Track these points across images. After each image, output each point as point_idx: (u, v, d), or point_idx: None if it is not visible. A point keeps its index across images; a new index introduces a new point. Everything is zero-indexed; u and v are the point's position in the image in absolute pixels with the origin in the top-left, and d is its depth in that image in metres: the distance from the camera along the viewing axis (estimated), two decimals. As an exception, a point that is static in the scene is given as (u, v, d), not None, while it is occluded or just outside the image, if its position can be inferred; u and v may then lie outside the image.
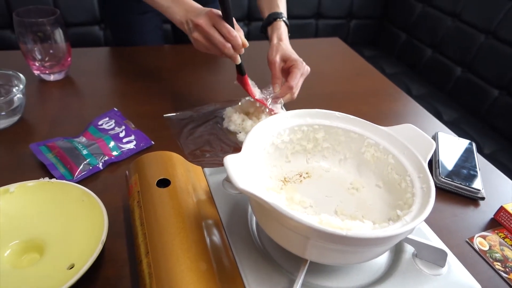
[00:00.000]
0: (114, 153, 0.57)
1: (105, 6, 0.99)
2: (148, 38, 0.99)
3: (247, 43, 0.59)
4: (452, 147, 0.68)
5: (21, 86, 0.61)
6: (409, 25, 1.84)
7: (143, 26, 0.97)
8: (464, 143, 0.70)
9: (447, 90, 1.61)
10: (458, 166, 0.63)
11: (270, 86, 0.68)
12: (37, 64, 0.74)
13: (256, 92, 0.66)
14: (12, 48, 1.45)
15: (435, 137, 0.70)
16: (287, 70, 0.67)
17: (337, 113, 0.48)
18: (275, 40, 0.70)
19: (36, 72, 0.75)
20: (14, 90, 0.63)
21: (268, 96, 0.66)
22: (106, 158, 0.55)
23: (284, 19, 0.74)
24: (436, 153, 0.65)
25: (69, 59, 0.77)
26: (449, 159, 0.64)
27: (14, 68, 0.66)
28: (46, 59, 0.74)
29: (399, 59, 1.87)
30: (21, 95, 0.61)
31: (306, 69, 0.68)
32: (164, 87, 0.78)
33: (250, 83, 0.66)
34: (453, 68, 1.60)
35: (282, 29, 0.72)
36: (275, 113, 0.65)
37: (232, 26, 0.57)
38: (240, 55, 0.60)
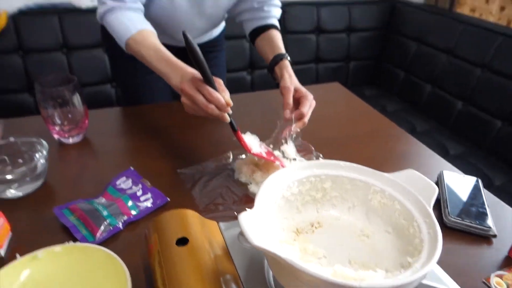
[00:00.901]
0: (133, 212, 0.59)
1: (114, 68, 1.06)
2: (157, 96, 1.04)
3: (231, 102, 0.63)
4: (458, 185, 0.69)
5: (44, 152, 0.65)
6: (406, 63, 1.91)
7: (151, 85, 1.03)
8: (470, 180, 0.71)
9: (450, 124, 1.63)
10: (467, 204, 0.64)
11: (271, 138, 0.72)
12: (56, 129, 0.79)
13: (255, 144, 0.69)
14: (29, 109, 1.54)
15: (440, 176, 0.72)
16: (297, 100, 0.75)
17: (341, 162, 0.50)
18: (286, 75, 0.78)
19: (56, 136, 0.80)
20: (37, 156, 0.67)
21: (270, 148, 0.69)
22: (125, 217, 0.58)
23: (288, 58, 0.83)
24: (443, 192, 0.67)
25: (86, 121, 0.81)
26: (457, 197, 0.66)
27: (35, 133, 0.71)
28: (65, 123, 0.79)
29: (400, 97, 1.92)
30: (44, 161, 0.65)
31: (314, 102, 0.76)
32: (176, 143, 0.82)
33: (248, 136, 0.69)
34: (453, 102, 1.64)
35: (289, 66, 0.81)
36: (279, 161, 0.68)
37: (215, 88, 0.62)
38: (229, 114, 0.64)
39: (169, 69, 0.68)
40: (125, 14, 0.75)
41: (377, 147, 0.86)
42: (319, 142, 0.84)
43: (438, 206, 0.64)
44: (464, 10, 1.86)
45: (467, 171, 0.74)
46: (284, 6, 1.85)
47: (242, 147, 0.67)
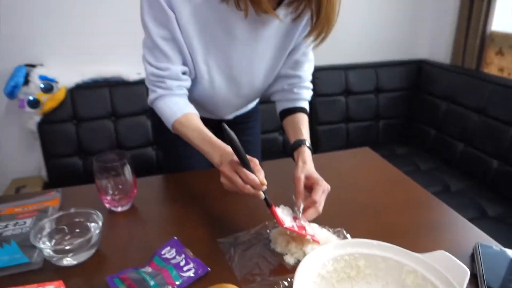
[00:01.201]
0: (177, 282, 0.64)
1: (158, 137, 1.16)
2: (196, 164, 1.12)
3: (265, 182, 0.69)
4: (496, 259, 0.69)
5: (100, 223, 0.72)
6: (437, 122, 1.92)
7: (191, 153, 1.11)
8: (508, 254, 0.71)
9: (487, 183, 1.60)
10: (505, 280, 0.64)
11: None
12: (108, 198, 0.87)
13: (287, 218, 0.72)
14: (78, 171, 1.67)
15: (476, 249, 0.71)
16: (310, 187, 0.77)
17: (374, 241, 0.53)
18: (300, 163, 0.82)
19: (107, 205, 0.88)
20: (92, 226, 0.74)
21: (303, 222, 0.73)
22: (170, 287, 0.62)
23: (307, 145, 0.86)
24: (479, 267, 0.67)
25: (134, 191, 0.89)
26: (494, 272, 0.65)
27: (88, 201, 0.79)
28: (116, 193, 0.87)
29: (432, 155, 1.92)
30: (98, 232, 0.72)
31: (327, 186, 0.77)
32: (215, 210, 0.87)
33: (282, 211, 0.74)
34: (488, 160, 1.62)
35: (306, 153, 0.84)
36: (310, 236, 0.70)
37: (250, 169, 0.68)
38: (264, 191, 0.69)
39: (210, 149, 0.77)
40: (172, 100, 0.85)
41: (410, 216, 0.86)
42: (351, 210, 0.87)
43: (475, 281, 0.64)
44: (491, 70, 1.89)
45: (507, 235, 0.73)
46: (314, 71, 1.97)
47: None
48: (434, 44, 2.20)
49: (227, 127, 0.66)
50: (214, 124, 1.11)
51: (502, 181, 1.54)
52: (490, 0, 1.77)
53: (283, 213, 0.73)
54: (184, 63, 0.85)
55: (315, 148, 1.98)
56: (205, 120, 1.06)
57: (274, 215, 0.72)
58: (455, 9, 2.01)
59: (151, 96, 0.87)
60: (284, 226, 0.70)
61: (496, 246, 0.73)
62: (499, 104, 1.63)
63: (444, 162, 1.82)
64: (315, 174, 0.79)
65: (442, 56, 2.14)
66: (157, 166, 1.75)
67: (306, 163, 0.81)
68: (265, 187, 0.70)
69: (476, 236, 0.79)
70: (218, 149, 0.75)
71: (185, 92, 0.88)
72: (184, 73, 0.85)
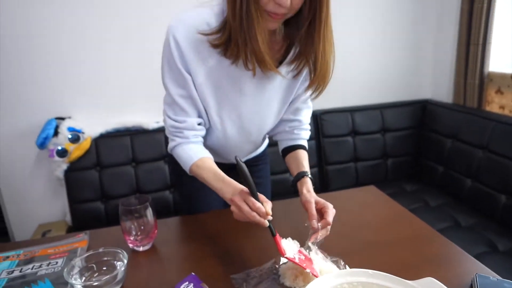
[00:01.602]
0: (195, 314, 0.70)
1: (176, 181, 1.25)
2: (211, 205, 1.20)
3: (270, 212, 0.78)
4: (491, 288, 0.73)
5: (125, 261, 0.80)
6: (443, 159, 1.98)
7: (207, 196, 1.19)
8: (504, 284, 0.75)
9: (496, 218, 1.62)
10: (500, 308, 0.68)
11: (307, 244, 0.82)
12: (131, 239, 0.95)
13: (290, 249, 0.79)
14: (99, 216, 1.76)
15: (474, 280, 0.76)
16: (319, 211, 0.86)
17: (370, 271, 0.60)
18: (304, 190, 0.91)
19: (131, 245, 0.96)
20: (118, 264, 0.82)
21: (303, 251, 0.79)
22: (189, 319, 0.69)
23: (309, 176, 0.96)
24: (475, 296, 0.71)
25: (155, 231, 0.97)
26: (489, 301, 0.70)
27: (113, 242, 0.87)
28: (139, 233, 0.95)
29: (441, 191, 1.95)
30: (124, 269, 0.79)
31: (334, 210, 0.86)
32: (228, 247, 0.94)
33: (288, 241, 0.81)
34: (497, 196, 1.65)
35: (308, 183, 0.94)
36: (309, 269, 0.76)
37: (258, 200, 0.77)
38: (270, 221, 0.78)
39: (223, 186, 0.86)
40: (189, 147, 0.95)
41: (413, 250, 0.91)
42: (358, 246, 0.92)
43: (472, 309, 0.68)
44: (493, 108, 1.96)
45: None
46: (321, 114, 2.09)
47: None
48: (437, 84, 2.31)
49: (239, 159, 0.76)
50: (226, 168, 1.20)
51: (511, 215, 1.56)
52: (484, 44, 1.88)
53: (287, 244, 0.80)
54: (199, 116, 0.96)
55: (325, 187, 2.05)
56: (218, 165, 1.16)
57: (277, 244, 0.79)
58: (453, 52, 2.13)
59: (171, 144, 0.98)
60: (285, 255, 0.77)
61: (493, 277, 0.78)
62: (501, 140, 1.69)
63: (453, 198, 1.85)
64: (322, 200, 0.88)
65: (444, 96, 2.23)
66: (174, 209, 1.84)
67: (310, 191, 0.91)
68: (270, 217, 0.78)
69: (476, 268, 0.83)
70: (230, 186, 0.85)
71: (201, 139, 0.98)
72: (199, 124, 0.96)
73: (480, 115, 1.86)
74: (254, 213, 0.77)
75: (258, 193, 0.79)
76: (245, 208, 0.77)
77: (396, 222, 1.06)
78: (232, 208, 0.80)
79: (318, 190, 2.03)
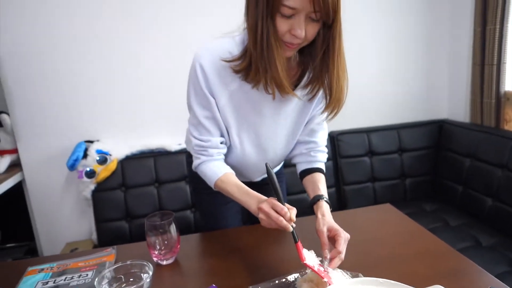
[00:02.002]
0: (215, 322, 0.74)
1: (197, 200, 1.31)
2: (230, 222, 1.25)
3: (294, 219, 0.83)
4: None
5: (150, 273, 0.85)
6: (462, 178, 1.97)
7: (226, 214, 1.25)
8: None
9: (518, 238, 1.60)
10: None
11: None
12: (156, 253, 1.01)
13: (310, 259, 0.83)
14: (124, 235, 1.84)
15: (487, 293, 0.78)
16: (332, 238, 0.88)
17: (380, 279, 0.63)
18: (319, 215, 0.94)
19: (155, 259, 1.01)
20: (144, 276, 0.88)
21: (323, 265, 0.83)
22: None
23: (325, 199, 0.99)
24: (488, 308, 0.72)
25: (178, 246, 1.03)
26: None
27: (138, 256, 0.93)
28: (163, 248, 1.01)
29: (461, 210, 1.93)
30: (149, 281, 0.85)
31: (347, 236, 0.88)
32: (247, 261, 0.98)
33: (309, 252, 0.85)
34: (518, 215, 1.63)
35: (324, 207, 0.97)
36: (327, 279, 0.79)
37: (284, 205, 0.83)
38: (293, 227, 0.82)
39: (249, 198, 0.92)
40: (213, 164, 1.02)
41: (427, 265, 0.93)
42: (374, 261, 0.95)
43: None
44: (511, 127, 1.96)
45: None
46: (337, 135, 2.13)
47: (303, 265, 0.82)
48: (453, 104, 2.32)
49: (269, 166, 0.83)
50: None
51: (534, 235, 1.54)
52: (499, 64, 1.90)
53: (308, 254, 0.84)
54: (221, 135, 1.03)
55: (343, 208, 2.07)
56: None
57: (298, 251, 0.83)
58: (468, 73, 2.15)
59: (196, 162, 1.05)
60: (304, 262, 0.81)
61: (507, 289, 0.79)
62: (521, 159, 1.68)
63: (474, 218, 1.83)
64: (335, 226, 0.90)
65: (461, 115, 2.24)
66: (195, 228, 1.89)
67: (325, 215, 0.94)
68: (294, 224, 0.83)
69: (490, 282, 0.84)
70: (255, 198, 0.91)
71: (223, 157, 1.06)
72: (221, 143, 1.04)
73: (498, 134, 1.86)
74: (281, 218, 0.82)
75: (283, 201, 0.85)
76: (273, 213, 0.82)
77: (412, 239, 1.08)
78: (260, 215, 0.85)
79: (336, 210, 2.05)
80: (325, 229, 0.89)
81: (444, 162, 2.12)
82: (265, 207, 0.84)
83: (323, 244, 0.88)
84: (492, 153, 1.82)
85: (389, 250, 1.02)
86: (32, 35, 1.78)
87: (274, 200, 0.84)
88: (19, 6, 1.75)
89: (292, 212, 0.83)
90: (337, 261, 0.85)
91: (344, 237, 0.87)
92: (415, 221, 1.16)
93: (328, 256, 0.86)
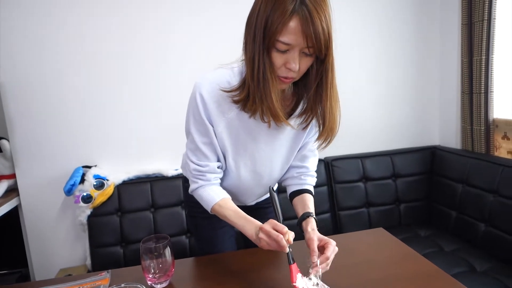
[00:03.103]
0: None
1: (192, 224, 1.32)
2: (225, 246, 1.26)
3: (291, 241, 0.85)
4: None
5: (145, 295, 0.86)
6: (455, 204, 1.99)
7: (222, 238, 1.26)
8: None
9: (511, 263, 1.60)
10: None
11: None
12: (150, 276, 1.01)
13: (302, 282, 0.85)
14: (118, 260, 1.82)
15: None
16: (322, 247, 0.92)
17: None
18: (309, 229, 0.98)
19: (149, 282, 1.01)
20: (138, 298, 0.88)
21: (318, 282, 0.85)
22: None
23: (314, 216, 1.03)
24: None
25: (173, 270, 1.03)
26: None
27: (132, 279, 0.94)
28: (157, 271, 1.01)
29: (455, 236, 1.95)
30: (144, 302, 0.85)
31: (336, 248, 0.91)
32: (243, 285, 0.98)
33: (300, 276, 0.87)
34: (511, 241, 1.64)
35: (313, 222, 1.01)
36: None
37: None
38: (290, 249, 0.86)
39: (246, 223, 0.95)
40: (210, 188, 1.05)
41: (419, 287, 0.95)
42: (368, 283, 0.96)
43: None
44: (501, 153, 2.00)
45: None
46: (332, 160, 2.16)
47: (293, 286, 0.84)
48: (444, 131, 2.38)
49: (271, 188, 0.91)
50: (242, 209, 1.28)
51: (527, 260, 1.55)
52: (487, 93, 1.97)
53: (301, 278, 0.86)
54: (218, 160, 1.07)
55: (338, 233, 2.06)
56: None
57: (290, 272, 0.86)
58: (457, 101, 2.22)
59: (193, 186, 1.08)
60: (294, 283, 0.83)
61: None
62: (511, 184, 1.71)
63: (468, 243, 1.84)
64: (325, 237, 0.94)
65: (453, 142, 2.29)
66: (190, 253, 1.88)
67: (314, 229, 0.98)
68: (290, 243, 0.86)
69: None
70: (252, 223, 0.94)
71: (219, 181, 1.09)
72: (218, 167, 1.07)
73: (488, 160, 1.90)
74: (281, 236, 0.85)
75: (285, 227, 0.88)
76: (274, 232, 0.86)
77: (403, 262, 1.09)
78: (261, 235, 0.88)
79: (331, 234, 2.05)
80: (315, 238, 0.93)
81: (438, 187, 2.15)
82: (266, 226, 0.87)
83: (312, 251, 0.90)
84: (484, 179, 1.85)
85: (382, 273, 1.03)
86: (34, 63, 1.84)
87: (274, 221, 0.88)
88: (21, 35, 1.81)
89: (290, 234, 0.86)
90: (323, 267, 0.88)
91: (333, 246, 0.91)
92: (410, 246, 1.18)
93: (318, 262, 0.88)
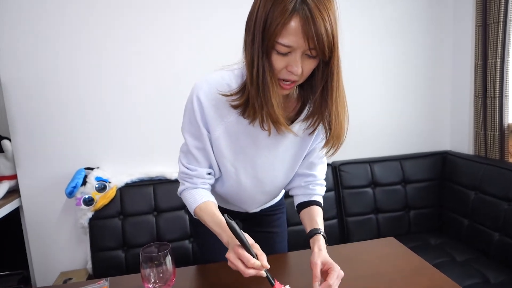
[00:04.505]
0: None
1: (194, 229, 1.28)
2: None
3: (267, 265, 0.80)
4: None
5: (143, 307, 0.82)
6: (468, 211, 1.92)
7: (221, 244, 1.21)
8: None
9: (528, 275, 1.54)
10: None
11: None
12: (150, 286, 0.97)
13: None
14: (120, 265, 1.78)
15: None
16: (325, 272, 0.85)
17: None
18: (316, 249, 0.91)
19: (149, 292, 0.97)
20: (136, 310, 0.84)
21: None
22: None
23: (322, 233, 0.96)
24: None
25: (173, 279, 0.99)
26: None
27: (134, 287, 0.89)
28: (157, 281, 0.97)
29: (468, 245, 1.88)
30: (142, 315, 0.81)
31: (341, 273, 0.85)
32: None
33: None
34: (527, 251, 1.58)
35: (321, 241, 0.94)
36: None
37: (252, 254, 0.80)
38: (268, 271, 0.81)
39: (221, 231, 0.91)
40: (196, 191, 1.00)
41: (433, 304, 0.89)
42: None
43: None
44: (515, 159, 1.94)
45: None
46: (339, 165, 2.11)
47: None
48: (455, 136, 2.31)
49: (227, 216, 0.80)
50: (242, 217, 1.23)
51: (544, 273, 1.48)
52: (501, 97, 1.91)
53: None
54: (210, 167, 1.02)
55: (346, 240, 2.01)
56: (234, 213, 1.18)
57: None
58: (470, 105, 2.15)
59: (180, 188, 1.04)
60: None
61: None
62: (527, 192, 1.64)
63: (481, 253, 1.77)
64: (330, 260, 0.87)
65: (465, 147, 2.22)
66: (193, 258, 1.84)
67: (321, 250, 0.91)
68: (267, 266, 0.80)
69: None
70: (225, 232, 0.88)
71: (208, 187, 1.04)
72: (208, 174, 1.02)
73: (503, 166, 1.83)
74: (249, 270, 0.79)
75: (253, 244, 0.82)
76: (240, 266, 0.80)
77: (416, 275, 1.04)
78: (229, 263, 0.83)
79: (338, 242, 2.00)
80: (319, 262, 0.87)
81: (449, 194, 2.08)
82: (232, 258, 0.81)
83: (314, 277, 0.85)
84: (498, 186, 1.79)
85: (392, 286, 0.98)
86: (37, 63, 1.81)
87: (240, 250, 0.80)
88: (24, 36, 1.79)
89: (263, 258, 0.81)
90: None
91: (337, 271, 0.84)
92: (420, 256, 1.12)
93: None
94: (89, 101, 1.89)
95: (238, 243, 0.82)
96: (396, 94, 2.27)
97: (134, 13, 1.87)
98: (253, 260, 0.79)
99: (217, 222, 0.92)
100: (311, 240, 0.96)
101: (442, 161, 2.18)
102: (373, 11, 2.15)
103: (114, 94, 1.91)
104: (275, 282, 0.82)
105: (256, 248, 0.82)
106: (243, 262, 0.80)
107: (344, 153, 2.15)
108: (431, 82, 2.30)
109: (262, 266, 0.79)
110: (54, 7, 1.79)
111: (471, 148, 2.17)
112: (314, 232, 0.96)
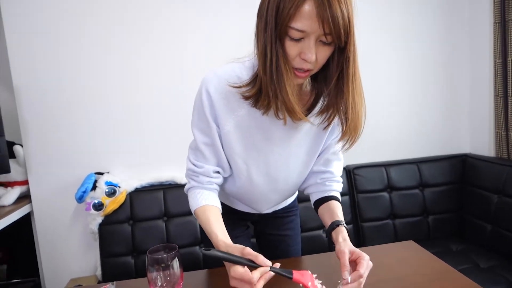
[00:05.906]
0: None
1: (203, 234, 1.23)
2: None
3: (267, 264, 0.74)
4: None
5: (148, 312, 0.77)
6: (490, 216, 1.84)
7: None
8: None
9: (559, 283, 1.44)
10: None
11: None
12: (156, 290, 0.93)
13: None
14: (129, 270, 1.75)
15: None
16: (353, 262, 0.80)
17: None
18: (340, 239, 0.87)
19: (155, 296, 0.93)
20: (141, 315, 0.80)
21: None
22: None
23: (344, 225, 0.91)
24: None
25: (181, 283, 0.94)
26: None
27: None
28: (164, 284, 0.93)
29: (491, 251, 1.79)
30: (146, 320, 0.76)
31: (370, 263, 0.80)
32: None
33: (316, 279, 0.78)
34: (556, 256, 1.48)
35: (344, 232, 0.89)
36: None
37: (248, 263, 0.75)
38: (276, 268, 0.76)
39: (213, 241, 0.88)
40: (200, 191, 0.96)
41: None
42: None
43: None
44: (540, 160, 1.84)
45: None
46: (354, 169, 2.05)
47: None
48: (475, 138, 2.22)
49: (203, 250, 0.77)
50: (255, 218, 1.18)
51: None
52: (523, 96, 1.83)
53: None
54: (219, 164, 0.98)
55: (361, 246, 1.93)
56: (246, 215, 1.14)
57: (299, 282, 0.77)
58: (490, 105, 2.07)
59: (186, 186, 1.01)
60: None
61: None
62: (554, 194, 1.55)
63: (506, 259, 1.68)
64: (358, 250, 0.83)
65: (485, 149, 2.13)
66: (204, 264, 1.79)
67: (346, 239, 0.86)
68: (269, 265, 0.75)
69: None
70: (220, 242, 0.85)
71: (215, 187, 0.99)
72: (216, 172, 0.98)
73: (527, 168, 1.74)
74: (258, 284, 0.73)
75: (243, 253, 0.77)
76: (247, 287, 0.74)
77: (438, 279, 0.98)
78: (232, 282, 0.77)
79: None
80: (347, 250, 0.82)
81: (470, 198, 1.99)
82: (236, 283, 0.76)
83: (343, 266, 0.79)
84: (522, 189, 1.70)
85: (415, 292, 0.91)
86: (49, 67, 1.82)
87: (239, 270, 0.75)
88: (37, 41, 1.80)
89: (260, 259, 0.74)
90: (355, 286, 0.77)
91: (367, 261, 0.80)
92: (439, 258, 1.06)
93: (349, 279, 0.77)
94: (101, 106, 1.88)
95: (232, 265, 0.76)
96: (412, 95, 2.20)
97: (149, 17, 1.87)
98: (254, 278, 0.73)
99: (209, 232, 0.90)
100: (333, 233, 0.91)
101: (462, 164, 2.10)
102: (387, 10, 2.10)
103: (126, 99, 1.89)
104: (292, 272, 0.77)
105: (248, 253, 0.76)
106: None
107: (359, 157, 2.09)
108: (447, 82, 2.22)
109: (264, 265, 0.74)
110: (66, 11, 1.80)
111: (492, 150, 2.08)
112: (336, 223, 0.92)
